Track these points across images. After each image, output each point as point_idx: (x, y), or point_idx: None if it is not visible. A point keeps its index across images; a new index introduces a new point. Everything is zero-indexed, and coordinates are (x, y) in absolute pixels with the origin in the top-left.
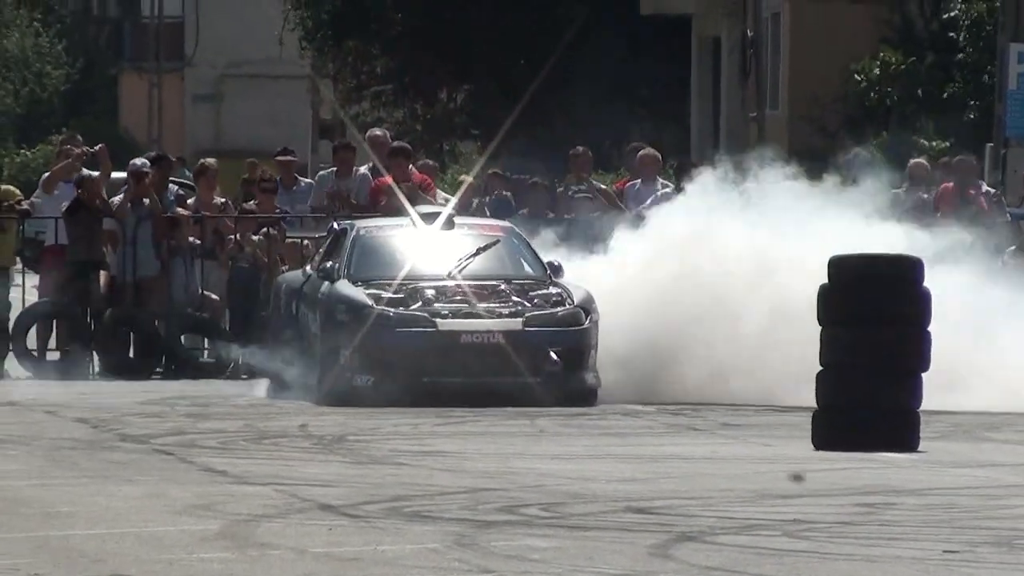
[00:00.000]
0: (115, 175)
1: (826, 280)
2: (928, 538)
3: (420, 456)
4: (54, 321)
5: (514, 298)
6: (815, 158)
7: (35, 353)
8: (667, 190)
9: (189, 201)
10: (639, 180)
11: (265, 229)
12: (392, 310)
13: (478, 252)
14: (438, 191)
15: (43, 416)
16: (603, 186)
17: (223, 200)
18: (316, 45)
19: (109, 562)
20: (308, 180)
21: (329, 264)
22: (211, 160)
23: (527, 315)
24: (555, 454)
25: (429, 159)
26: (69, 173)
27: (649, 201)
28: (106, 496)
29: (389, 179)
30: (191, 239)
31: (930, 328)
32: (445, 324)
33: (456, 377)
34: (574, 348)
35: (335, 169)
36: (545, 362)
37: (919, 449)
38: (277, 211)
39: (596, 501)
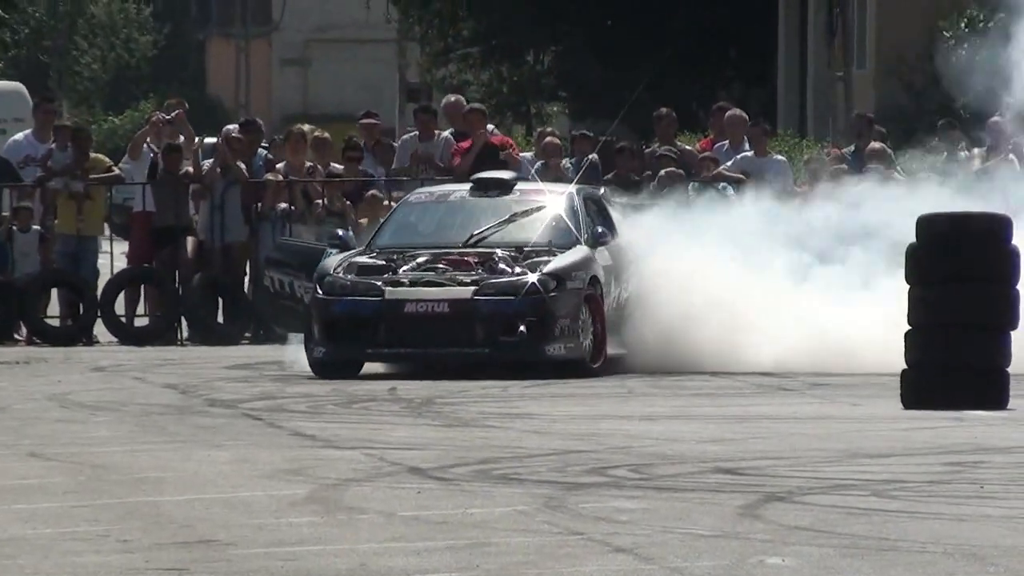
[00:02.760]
0: (209, 140)
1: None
2: (1017, 496)
3: (508, 419)
4: (142, 287)
5: (500, 266)
6: (902, 118)
7: (123, 319)
8: (748, 153)
9: (279, 166)
10: (725, 141)
11: (372, 192)
12: (348, 278)
13: (513, 218)
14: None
15: (132, 382)
16: (688, 147)
17: (311, 165)
18: (403, 8)
19: (197, 527)
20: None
21: (341, 233)
22: (306, 127)
23: (482, 283)
24: (643, 415)
25: (516, 122)
26: (152, 138)
27: (732, 162)
28: (195, 461)
29: (468, 142)
30: (280, 204)
31: (1020, 287)
32: (393, 293)
33: (399, 348)
34: (531, 317)
35: (417, 133)
36: (503, 332)
37: (1008, 407)
38: (362, 175)
39: (685, 462)
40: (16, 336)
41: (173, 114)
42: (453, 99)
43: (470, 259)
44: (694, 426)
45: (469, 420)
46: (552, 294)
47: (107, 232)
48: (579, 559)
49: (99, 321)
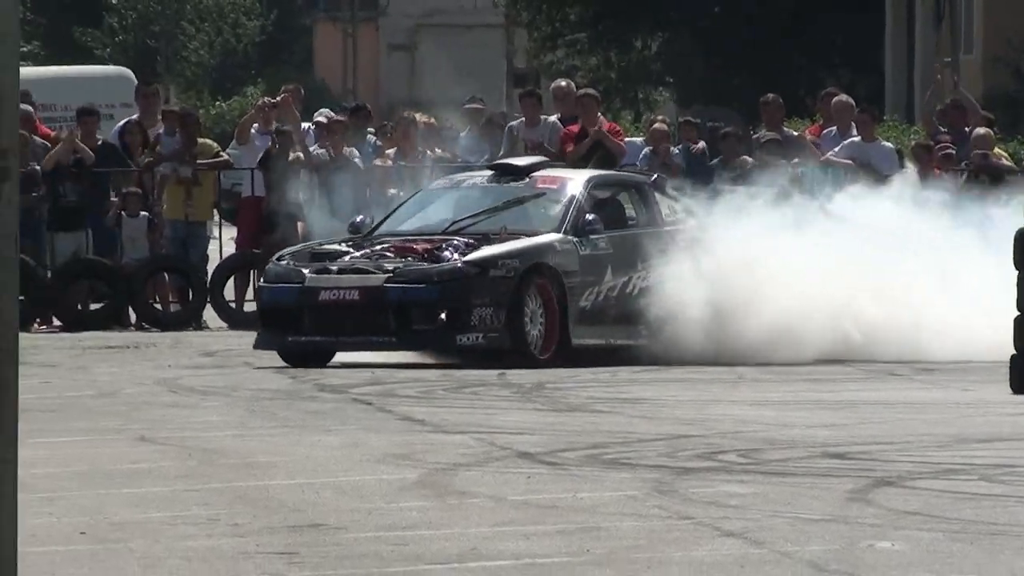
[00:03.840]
0: (304, 125)
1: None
2: None
3: (618, 403)
4: (251, 272)
5: (445, 254)
6: (1010, 103)
7: (233, 304)
8: (856, 139)
9: (389, 151)
10: (834, 127)
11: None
12: (282, 264)
13: (507, 205)
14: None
15: (241, 367)
16: (794, 132)
17: (421, 150)
18: None
19: (308, 512)
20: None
21: (359, 219)
22: (417, 113)
23: (395, 269)
24: (753, 400)
25: (624, 107)
26: (260, 123)
27: (839, 148)
28: (305, 446)
29: (577, 127)
30: (390, 190)
31: None
32: (312, 280)
33: (316, 336)
34: (443, 306)
35: (523, 119)
36: (418, 321)
37: None
38: (459, 159)
39: (794, 447)
40: (125, 322)
41: (279, 98)
42: (563, 83)
43: (419, 247)
44: (804, 411)
45: (578, 405)
46: (468, 281)
47: (216, 217)
48: (689, 543)
49: (208, 306)
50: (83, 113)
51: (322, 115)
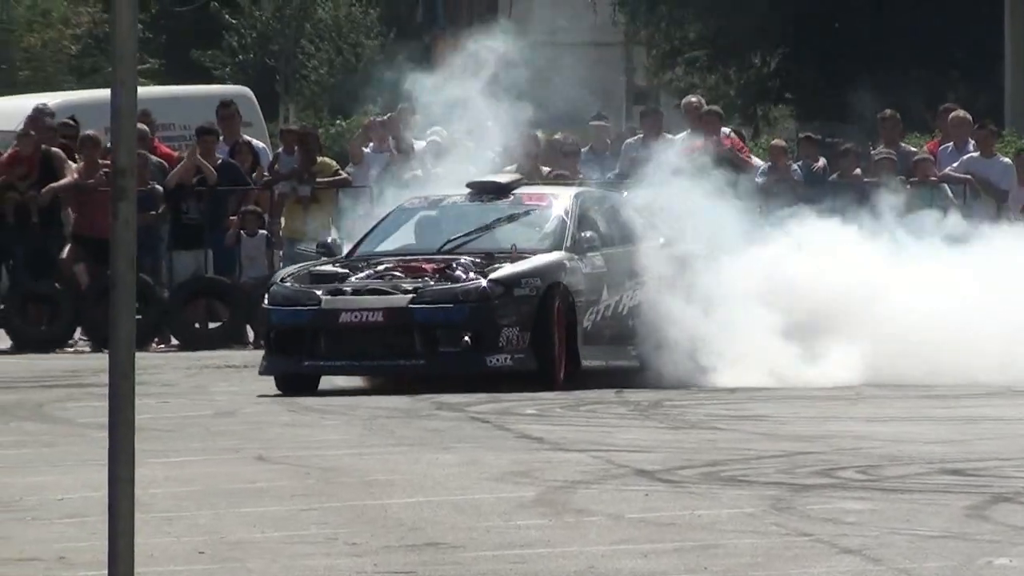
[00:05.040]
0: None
1: None
2: None
3: (736, 420)
4: None
5: (459, 273)
6: None
7: None
8: (975, 154)
9: (508, 168)
10: (951, 143)
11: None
12: (289, 287)
13: (496, 223)
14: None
15: (358, 385)
16: (912, 148)
17: (548, 170)
18: (629, 11)
19: (426, 530)
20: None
21: (330, 240)
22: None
23: (420, 290)
24: (871, 416)
25: (743, 124)
26: (375, 142)
27: (958, 163)
28: (423, 464)
29: (700, 144)
30: None
31: None
32: (329, 302)
33: (337, 360)
34: (469, 326)
35: (641, 136)
36: (444, 342)
37: None
38: (580, 176)
39: (912, 463)
40: (244, 341)
41: (387, 116)
42: (694, 99)
43: (427, 266)
44: (922, 427)
45: (696, 422)
46: (496, 301)
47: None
48: (807, 560)
49: None
50: (202, 132)
51: (436, 133)
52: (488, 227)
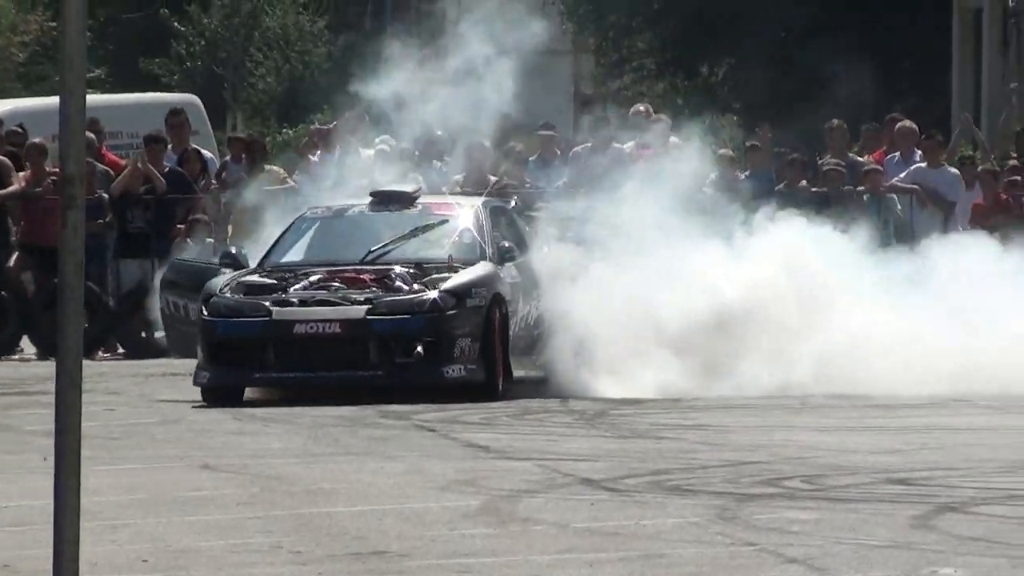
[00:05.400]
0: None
1: None
2: None
3: (681, 429)
4: None
5: (397, 283)
6: None
7: None
8: (922, 164)
9: (456, 178)
10: (897, 152)
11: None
12: (233, 298)
13: (414, 233)
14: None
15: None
16: (859, 159)
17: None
18: (577, 20)
19: (371, 539)
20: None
21: (234, 251)
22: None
23: (375, 301)
24: (816, 426)
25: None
26: (322, 149)
27: (904, 174)
28: (368, 473)
29: (649, 151)
30: None
31: None
32: (281, 313)
33: (290, 372)
34: (428, 337)
35: (590, 144)
36: (399, 354)
37: None
38: (528, 185)
39: (857, 473)
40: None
41: (333, 124)
42: (642, 108)
43: (365, 277)
44: (867, 437)
45: (642, 431)
46: (450, 312)
47: None
48: (752, 570)
49: None
50: (150, 140)
51: (384, 142)
52: (408, 236)
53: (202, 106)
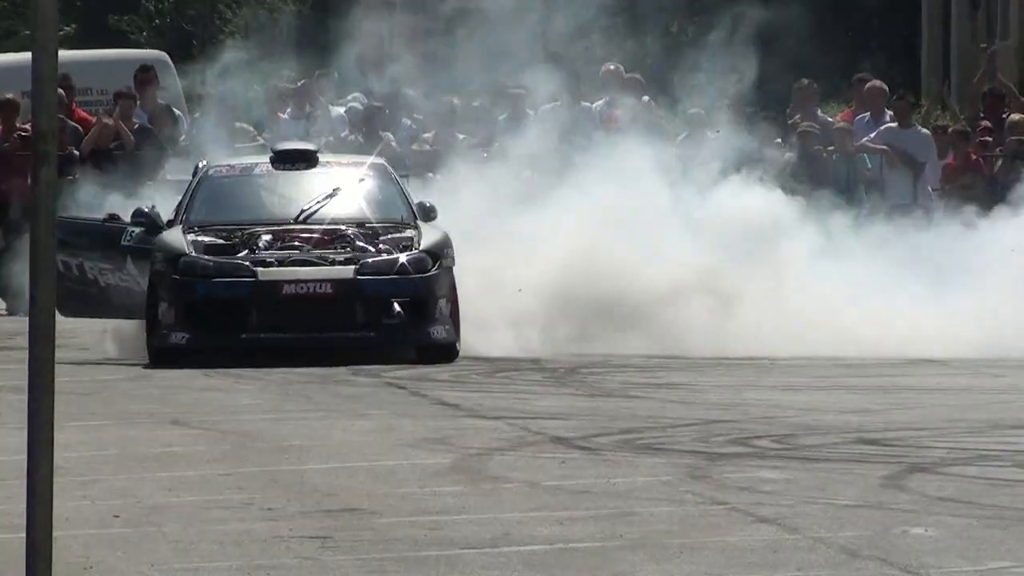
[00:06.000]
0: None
1: None
2: None
3: (652, 388)
4: None
5: (359, 243)
6: None
7: None
8: (892, 125)
9: (426, 135)
10: (867, 113)
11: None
12: (209, 258)
13: (334, 192)
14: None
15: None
16: (829, 119)
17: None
18: None
19: (341, 496)
20: None
21: (147, 209)
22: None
23: (362, 261)
24: (786, 385)
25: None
26: (292, 108)
27: (875, 134)
28: (339, 430)
29: (619, 111)
30: (429, 174)
31: None
32: (267, 274)
33: (279, 332)
34: (415, 298)
35: (559, 103)
36: (384, 314)
37: None
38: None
39: (828, 432)
40: None
41: (301, 82)
42: (612, 67)
43: (323, 236)
44: (837, 397)
45: (612, 390)
46: (433, 273)
47: None
48: (722, 529)
49: None
50: (120, 96)
51: (355, 99)
52: (331, 196)
53: (171, 63)
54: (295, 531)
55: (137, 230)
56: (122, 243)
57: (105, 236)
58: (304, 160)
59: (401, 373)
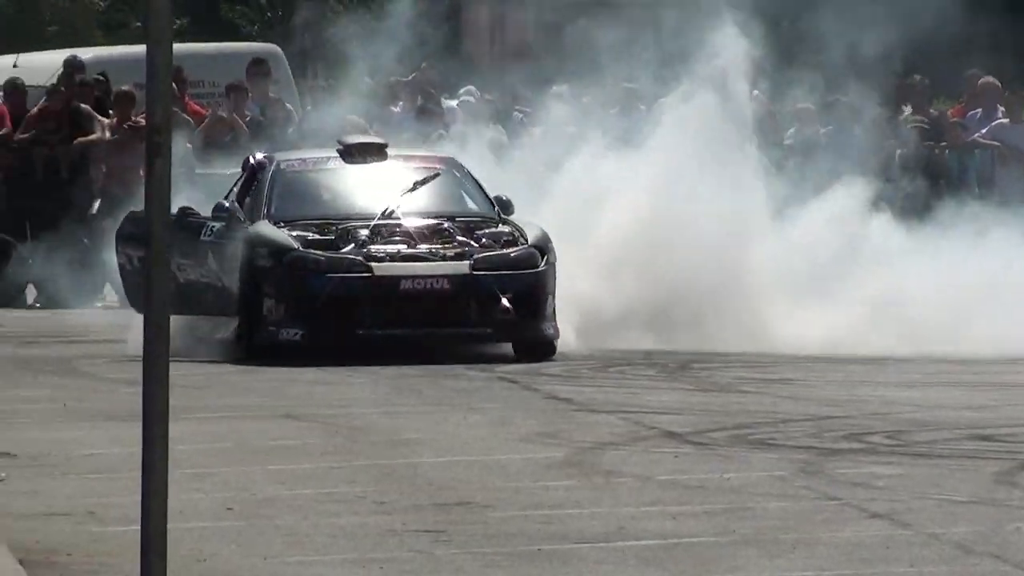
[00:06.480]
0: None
1: None
2: None
3: (764, 383)
4: None
5: (459, 238)
6: None
7: None
8: (1004, 120)
9: (535, 129)
10: (979, 109)
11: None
12: (322, 254)
13: (416, 186)
14: None
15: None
16: (942, 114)
17: None
18: None
19: (455, 490)
20: None
21: (227, 204)
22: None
23: (475, 257)
24: (899, 382)
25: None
26: (406, 103)
27: (986, 129)
28: (452, 424)
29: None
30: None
31: None
32: (382, 268)
33: (395, 328)
34: (529, 293)
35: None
36: (495, 309)
37: None
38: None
39: (941, 428)
40: None
41: (411, 76)
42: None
43: (423, 230)
44: (950, 393)
45: (725, 385)
46: (544, 268)
47: None
48: (836, 524)
49: None
50: (232, 88)
51: (469, 93)
52: (415, 188)
53: (283, 56)
54: (408, 525)
55: (218, 225)
56: (202, 238)
57: (184, 230)
58: (374, 153)
59: (513, 368)
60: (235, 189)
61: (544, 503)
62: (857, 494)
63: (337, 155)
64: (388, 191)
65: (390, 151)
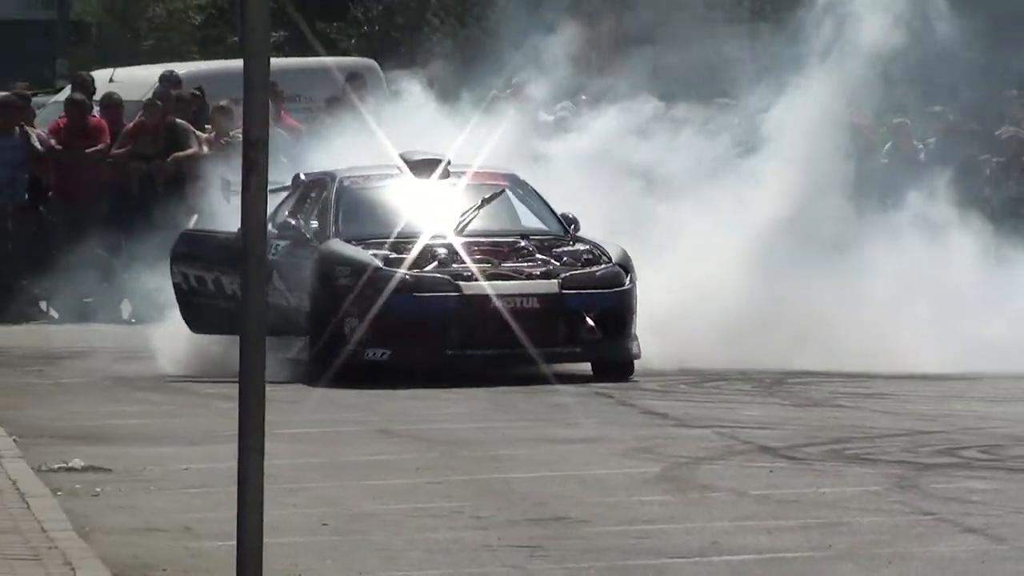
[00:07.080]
0: None
1: None
2: None
3: (859, 398)
4: None
5: (539, 256)
6: None
7: None
8: None
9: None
10: None
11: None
12: (408, 272)
13: (483, 203)
14: None
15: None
16: None
17: None
18: None
19: (551, 505)
20: None
21: (293, 222)
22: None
23: (563, 276)
24: (994, 397)
25: None
26: None
27: None
28: (548, 439)
29: None
30: None
31: None
32: (471, 288)
33: (486, 349)
34: (615, 312)
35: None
36: (582, 328)
37: None
38: None
39: None
40: None
41: (508, 90)
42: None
43: (502, 248)
44: None
45: (820, 400)
46: (629, 287)
47: None
48: (931, 539)
49: None
50: (332, 102)
51: (565, 108)
52: (482, 205)
53: (380, 70)
54: (504, 540)
55: (283, 243)
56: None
57: (230, 250)
58: (435, 169)
59: (608, 384)
60: (284, 206)
61: (639, 518)
62: (952, 509)
63: (399, 171)
64: (454, 207)
65: (451, 167)
